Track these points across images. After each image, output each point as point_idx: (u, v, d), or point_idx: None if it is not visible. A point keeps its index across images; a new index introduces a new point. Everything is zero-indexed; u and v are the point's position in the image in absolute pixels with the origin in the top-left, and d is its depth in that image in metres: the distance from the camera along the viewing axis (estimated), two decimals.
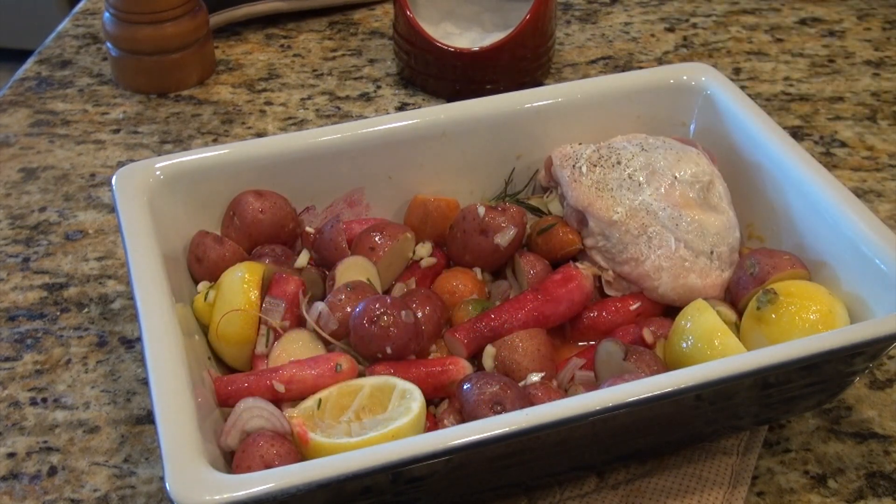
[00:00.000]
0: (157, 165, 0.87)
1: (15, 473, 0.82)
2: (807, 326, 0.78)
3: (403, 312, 0.79)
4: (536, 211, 0.95)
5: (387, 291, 0.89)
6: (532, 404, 0.74)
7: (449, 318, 0.87)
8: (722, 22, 1.41)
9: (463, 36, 1.26)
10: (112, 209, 1.07)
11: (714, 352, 0.77)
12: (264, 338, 0.82)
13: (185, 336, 0.75)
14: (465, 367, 0.81)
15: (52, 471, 0.82)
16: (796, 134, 1.18)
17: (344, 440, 0.72)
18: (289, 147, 0.91)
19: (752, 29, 1.39)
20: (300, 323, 0.84)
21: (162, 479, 0.72)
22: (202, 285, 0.86)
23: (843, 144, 1.17)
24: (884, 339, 0.73)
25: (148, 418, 0.86)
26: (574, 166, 0.90)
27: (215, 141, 1.17)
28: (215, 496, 0.63)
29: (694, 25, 1.40)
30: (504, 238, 0.88)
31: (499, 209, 0.90)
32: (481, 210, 0.89)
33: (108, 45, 1.25)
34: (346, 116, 1.22)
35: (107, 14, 1.23)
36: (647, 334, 0.84)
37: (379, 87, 1.27)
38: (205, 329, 0.84)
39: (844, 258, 0.82)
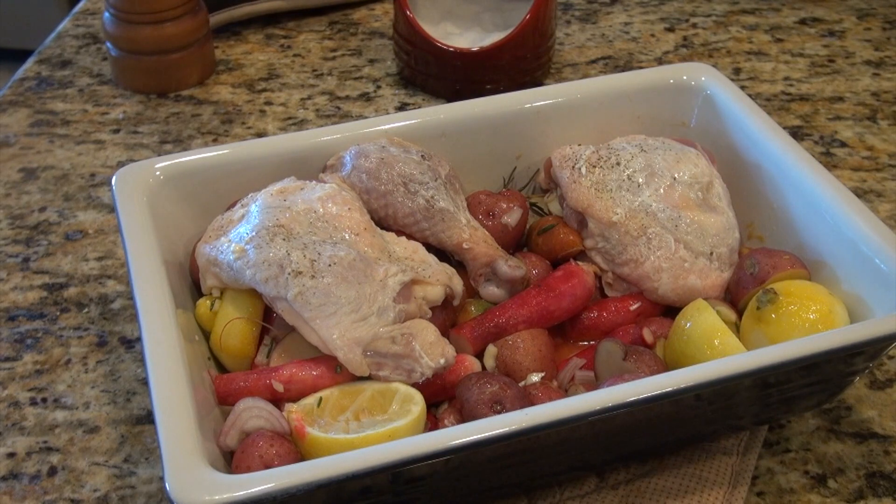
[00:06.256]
0: (157, 165, 0.87)
1: (15, 473, 0.82)
2: (807, 326, 0.78)
3: None
4: (537, 208, 0.95)
5: None
6: (532, 404, 0.74)
7: (455, 319, 0.87)
8: (722, 22, 1.40)
9: (463, 36, 1.26)
10: (112, 209, 1.07)
11: (714, 352, 0.77)
12: (266, 348, 0.82)
13: (184, 337, 0.75)
14: (472, 363, 0.81)
15: (52, 471, 0.82)
16: (796, 134, 1.18)
17: (341, 436, 0.72)
18: (289, 147, 0.91)
19: (752, 29, 1.39)
20: None
21: (162, 479, 0.72)
22: (207, 297, 0.84)
23: (843, 144, 1.17)
24: (884, 339, 0.73)
25: (148, 418, 0.86)
26: (573, 167, 0.90)
27: (215, 141, 1.17)
28: (215, 496, 0.63)
29: (694, 25, 1.40)
30: (512, 217, 0.89)
31: (501, 193, 0.92)
32: (483, 196, 0.91)
33: (108, 45, 1.25)
34: (346, 116, 1.22)
35: (107, 14, 1.23)
36: (647, 334, 0.83)
37: (379, 87, 1.27)
38: (206, 335, 0.84)
39: (844, 258, 0.82)
